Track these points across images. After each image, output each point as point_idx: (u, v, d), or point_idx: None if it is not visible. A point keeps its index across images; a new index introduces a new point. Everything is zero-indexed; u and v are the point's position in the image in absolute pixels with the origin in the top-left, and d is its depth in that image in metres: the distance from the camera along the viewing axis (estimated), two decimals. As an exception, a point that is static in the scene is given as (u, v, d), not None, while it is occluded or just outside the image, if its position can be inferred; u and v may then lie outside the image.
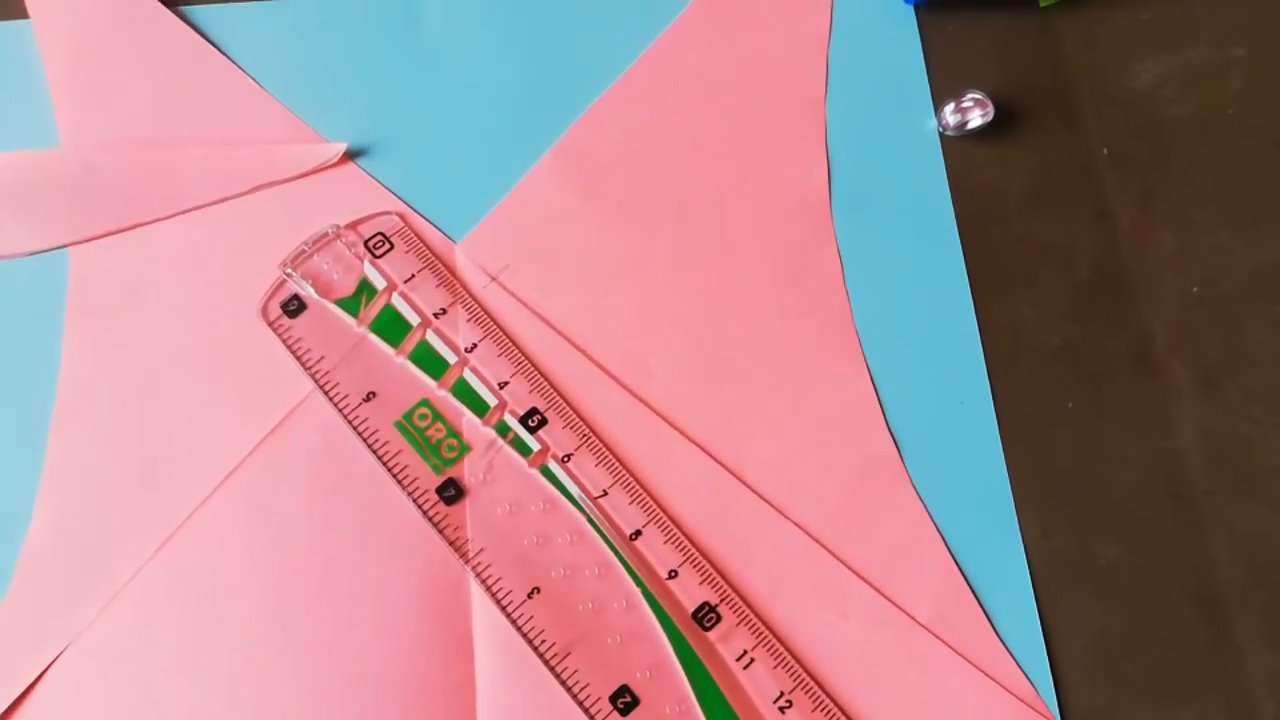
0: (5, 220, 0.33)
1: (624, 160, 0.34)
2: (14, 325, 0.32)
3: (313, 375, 0.31)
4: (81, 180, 0.33)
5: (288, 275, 0.32)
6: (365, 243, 0.33)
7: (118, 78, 0.34)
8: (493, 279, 0.33)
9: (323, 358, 0.32)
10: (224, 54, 0.35)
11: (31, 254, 0.33)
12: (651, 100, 0.35)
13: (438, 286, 0.33)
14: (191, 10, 0.36)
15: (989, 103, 0.34)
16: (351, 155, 0.34)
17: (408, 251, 0.33)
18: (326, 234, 0.33)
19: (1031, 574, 0.30)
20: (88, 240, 0.33)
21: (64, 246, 0.33)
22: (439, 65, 0.35)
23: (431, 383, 0.31)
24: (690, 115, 0.35)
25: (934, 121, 0.35)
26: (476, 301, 0.33)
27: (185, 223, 0.33)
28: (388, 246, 0.33)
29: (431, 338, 0.32)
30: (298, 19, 0.36)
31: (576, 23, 0.36)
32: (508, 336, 0.32)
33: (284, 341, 0.32)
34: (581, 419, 0.31)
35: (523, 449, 0.31)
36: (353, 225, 0.33)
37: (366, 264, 0.33)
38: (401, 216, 0.33)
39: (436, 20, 0.36)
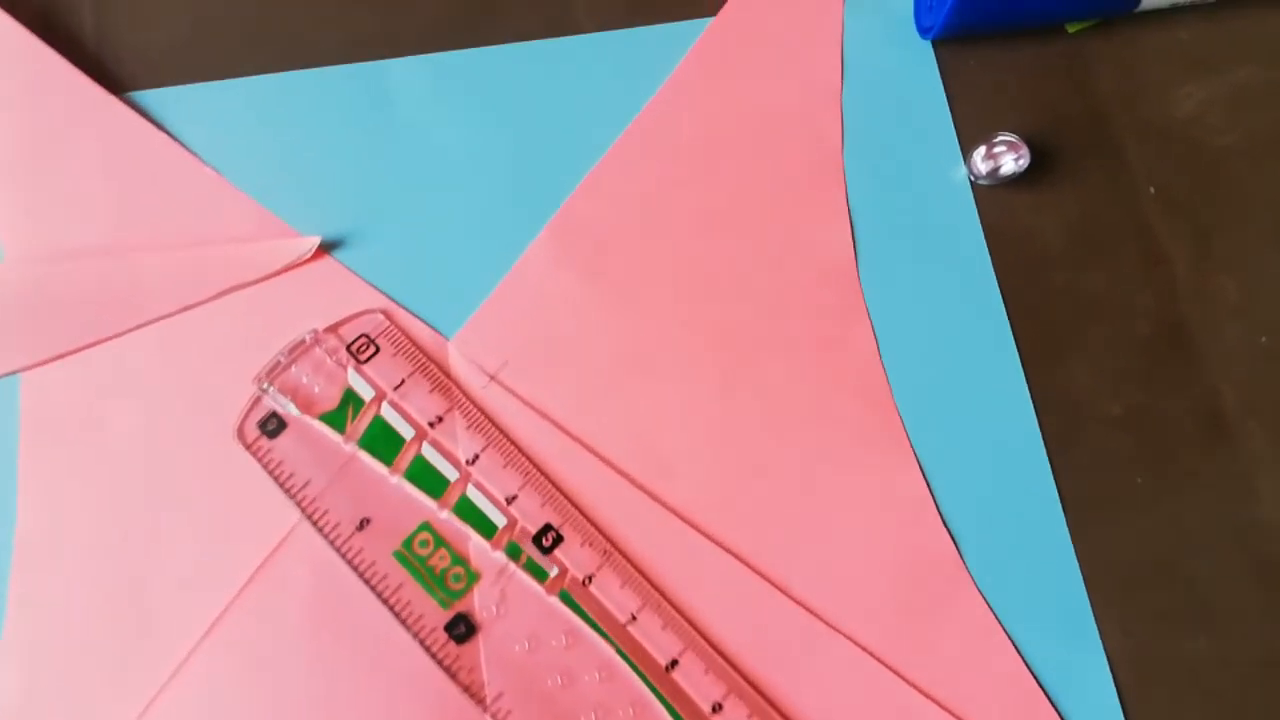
0: (-54, 349, 0.29)
1: (626, 235, 0.31)
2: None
3: (298, 503, 0.28)
4: (29, 296, 0.30)
5: (264, 391, 0.29)
6: (348, 347, 0.30)
7: (64, 177, 0.31)
8: (491, 378, 0.30)
9: (309, 482, 0.28)
10: (179, 142, 0.32)
11: (-22, 383, 0.29)
12: (651, 166, 0.32)
13: (431, 391, 0.29)
14: (140, 95, 0.32)
15: (1022, 145, 0.31)
16: (327, 248, 0.31)
17: (396, 354, 0.30)
18: (304, 341, 0.30)
19: (1114, 678, 0.27)
20: (40, 364, 0.30)
21: (13, 373, 0.29)
22: (414, 144, 0.32)
23: (432, 503, 0.28)
24: (695, 180, 0.32)
25: (963, 169, 0.32)
26: (475, 405, 0.29)
27: (147, 335, 0.30)
28: (373, 350, 0.30)
29: (428, 451, 0.29)
30: (255, 100, 0.32)
31: (562, 89, 0.33)
32: (513, 443, 0.29)
33: (264, 466, 0.28)
34: (601, 533, 0.28)
35: (538, 573, 0.28)
36: (333, 328, 0.30)
37: (351, 371, 0.29)
38: (386, 314, 0.30)
39: (407, 96, 0.33)
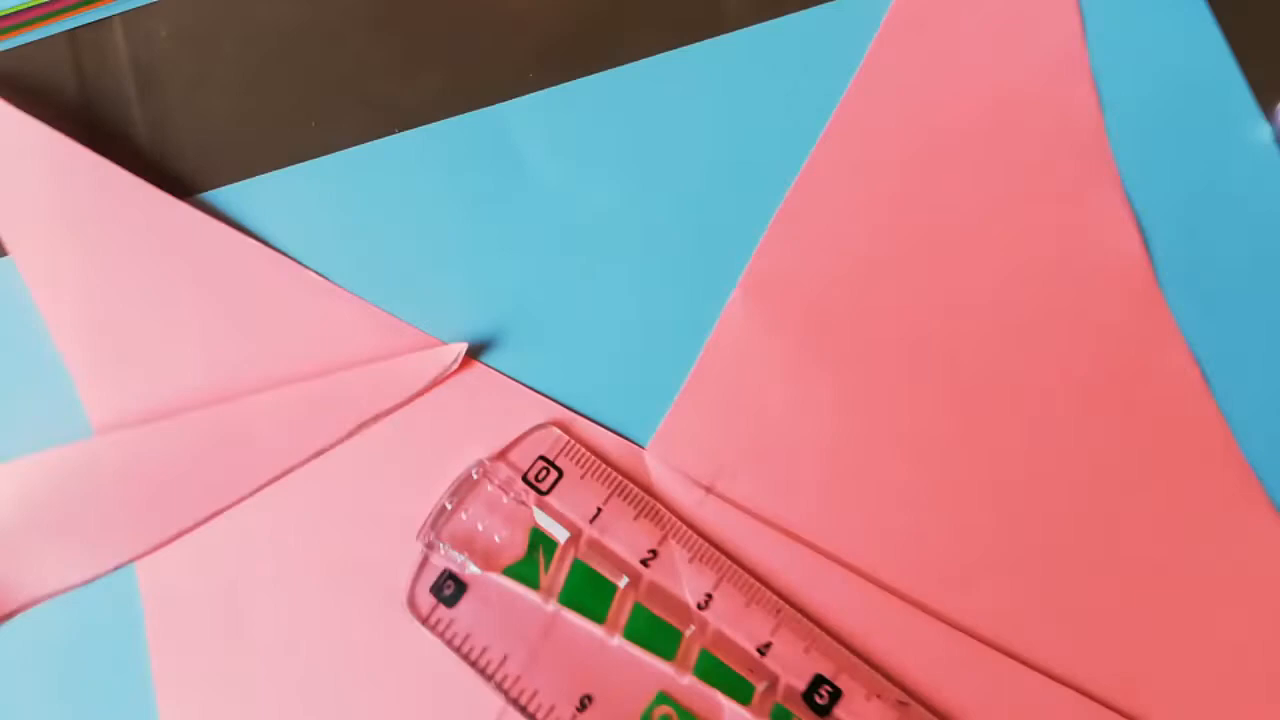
0: (43, 548, 0.24)
1: (840, 279, 0.25)
2: (92, 668, 0.23)
3: (498, 684, 0.22)
4: (127, 470, 0.24)
5: (432, 548, 0.23)
6: (525, 476, 0.24)
7: (148, 312, 0.25)
8: (708, 490, 0.24)
9: (507, 657, 0.22)
10: (270, 245, 0.26)
11: (86, 582, 0.24)
12: (856, 186, 0.25)
13: (637, 518, 0.23)
14: (211, 196, 0.26)
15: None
16: (474, 353, 0.25)
17: (584, 475, 0.24)
18: (470, 476, 0.24)
19: None
20: (153, 550, 0.24)
21: (123, 565, 0.24)
22: (554, 204, 0.26)
23: (666, 666, 0.22)
24: (916, 196, 0.25)
25: (1267, 128, 0.25)
26: (694, 529, 0.23)
27: (275, 495, 0.24)
28: (555, 474, 0.24)
29: (649, 597, 0.23)
30: (348, 178, 0.26)
31: (722, 104, 0.26)
32: (749, 572, 0.23)
33: (448, 643, 0.23)
34: (889, 679, 0.22)
35: (820, 743, 0.21)
36: (501, 455, 0.24)
37: (534, 507, 0.23)
38: (561, 426, 0.24)
39: (533, 145, 0.26)
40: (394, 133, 0.26)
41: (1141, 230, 0.24)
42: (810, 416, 0.24)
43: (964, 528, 0.23)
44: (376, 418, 0.24)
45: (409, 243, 0.26)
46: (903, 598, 0.22)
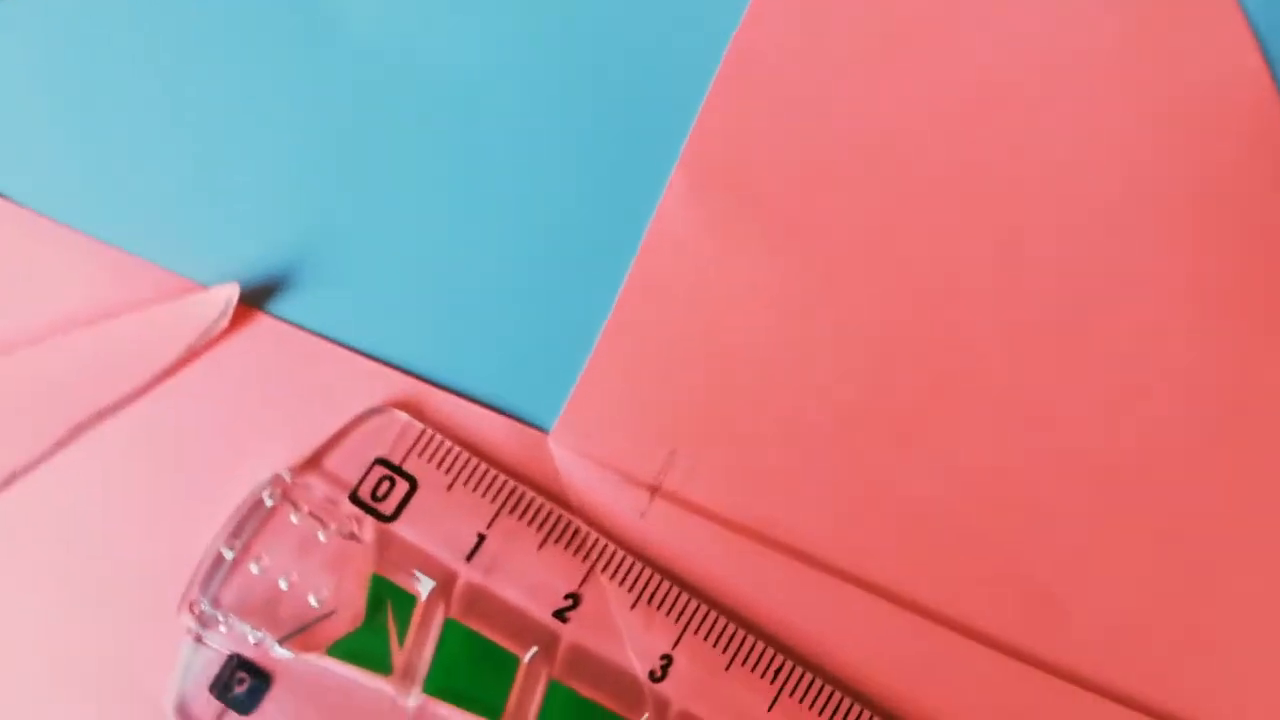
0: None
1: (815, 156, 0.16)
2: None
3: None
4: None
5: (205, 622, 0.14)
6: (353, 493, 0.15)
7: None
8: (653, 492, 0.15)
9: (343, 793, 0.14)
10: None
11: None
12: (817, 29, 0.17)
13: (544, 546, 0.14)
14: None
15: None
16: (255, 300, 0.15)
17: (453, 484, 0.15)
18: (261, 501, 0.14)
19: None
20: None
21: None
22: (387, 84, 0.16)
23: (610, 784, 0.14)
24: (911, 44, 0.17)
25: None
26: (635, 555, 0.15)
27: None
28: (405, 487, 0.15)
29: (571, 670, 0.14)
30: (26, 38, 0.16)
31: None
32: (727, 616, 0.14)
33: (243, 779, 0.14)
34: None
35: None
36: (312, 462, 0.15)
37: (373, 543, 0.14)
38: (408, 408, 0.15)
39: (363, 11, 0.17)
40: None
41: (1265, 51, 0.16)
42: (795, 355, 0.15)
43: (1053, 521, 0.15)
44: (99, 415, 0.15)
45: (144, 135, 0.16)
46: (971, 635, 0.15)
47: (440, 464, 0.15)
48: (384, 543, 0.14)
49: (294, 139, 0.16)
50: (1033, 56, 0.16)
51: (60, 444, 0.15)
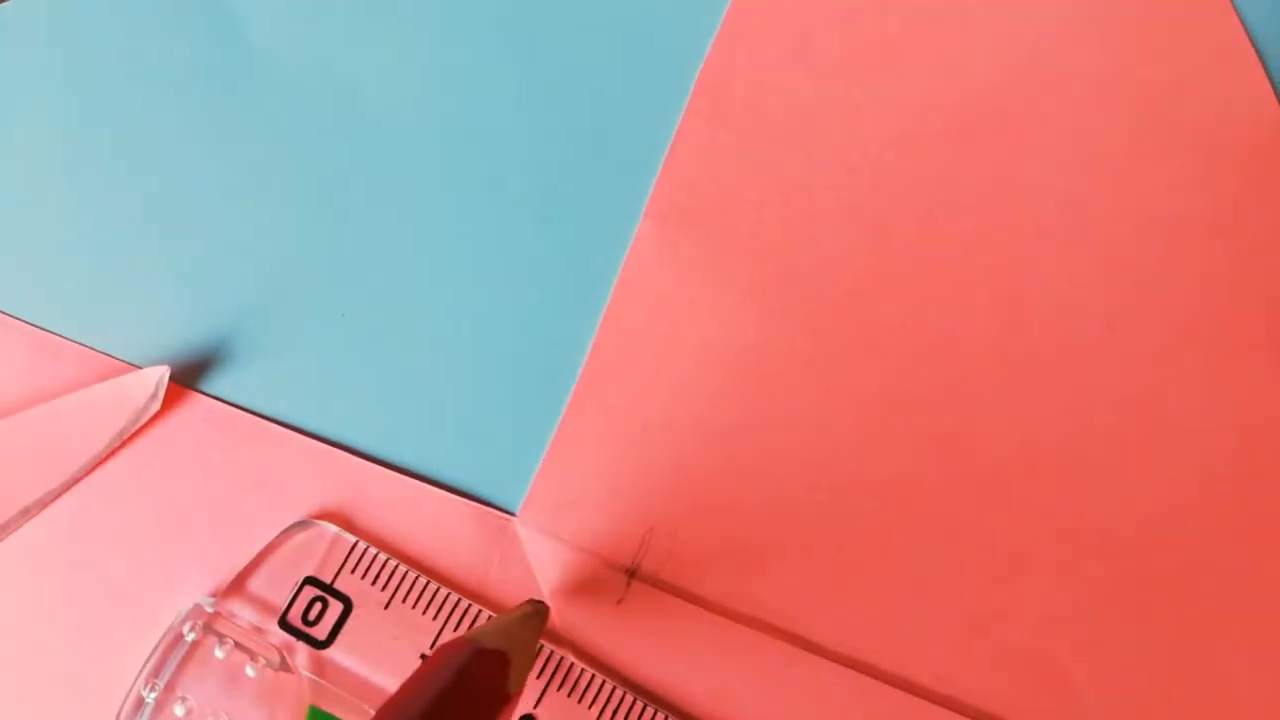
0: None
1: (785, 194, 0.14)
2: None
3: None
4: None
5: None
6: (283, 619, 0.13)
7: None
8: (631, 575, 0.14)
9: None
10: None
11: None
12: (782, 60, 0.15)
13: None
14: None
15: None
16: (186, 378, 0.14)
17: (391, 600, 0.13)
18: (181, 635, 0.13)
19: None
20: None
21: None
22: (317, 127, 0.15)
23: None
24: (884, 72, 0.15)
25: None
26: (601, 667, 0.13)
27: None
28: (339, 607, 0.13)
29: (532, 808, 0.13)
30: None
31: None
32: (721, 706, 0.13)
33: None
34: None
35: None
36: (236, 586, 0.13)
37: (307, 673, 0.13)
38: (338, 520, 0.14)
39: (279, 27, 0.15)
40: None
41: (1272, 81, 0.14)
42: (773, 419, 0.14)
43: (1058, 571, 0.13)
44: (25, 513, 0.14)
45: (67, 215, 0.15)
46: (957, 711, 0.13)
47: (375, 580, 0.13)
48: (320, 671, 0.13)
49: (227, 203, 0.15)
50: (1025, 87, 0.14)
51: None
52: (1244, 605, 0.13)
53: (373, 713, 0.13)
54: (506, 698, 0.11)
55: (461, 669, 0.11)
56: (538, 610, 0.12)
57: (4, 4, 0.15)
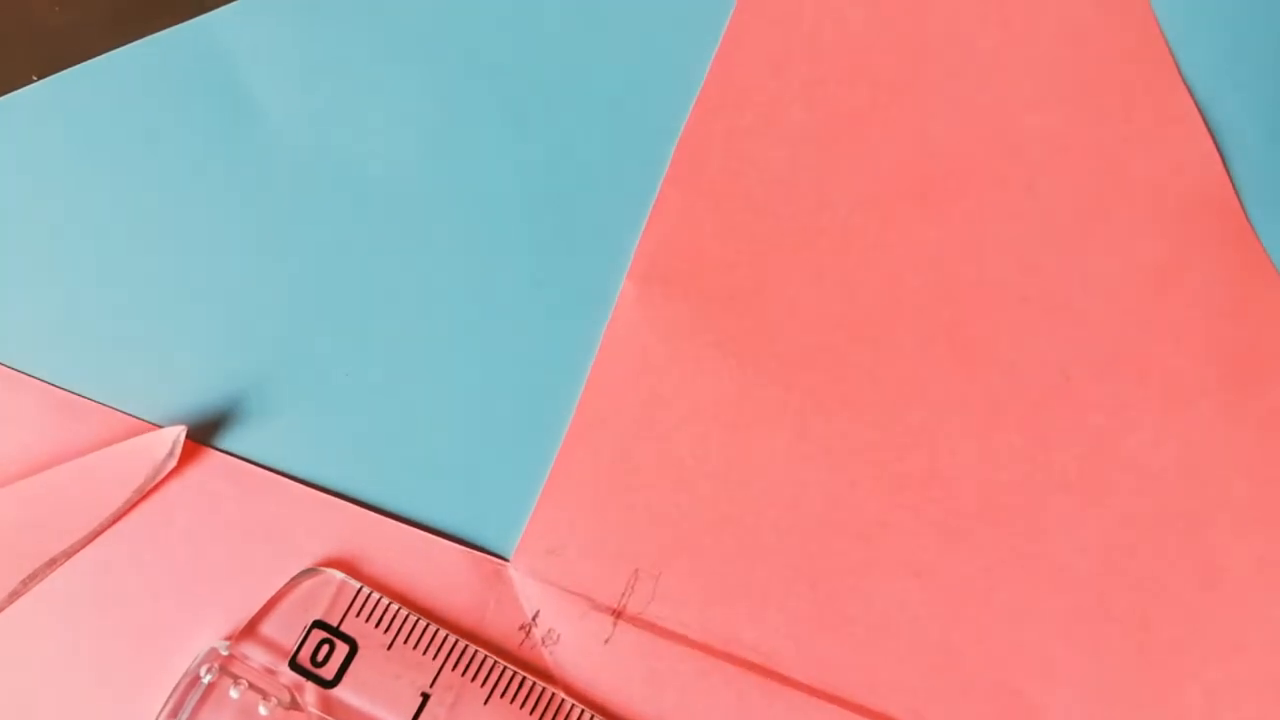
0: None
1: (771, 250, 0.15)
2: None
3: None
4: None
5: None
6: (293, 660, 0.14)
7: None
8: (617, 617, 0.14)
9: None
10: None
11: None
12: (775, 91, 0.16)
13: (491, 700, 0.14)
14: None
15: None
16: (200, 435, 0.15)
17: (394, 641, 0.14)
18: (198, 677, 0.14)
19: None
20: None
21: None
22: (322, 189, 0.16)
23: None
24: (889, 106, 0.16)
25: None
26: (592, 706, 0.14)
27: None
28: (345, 649, 0.14)
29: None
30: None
31: (579, 49, 0.16)
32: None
33: None
34: None
35: None
36: (249, 629, 0.14)
37: (316, 710, 0.14)
38: (344, 567, 0.15)
39: (289, 99, 0.16)
40: (31, 81, 0.16)
41: (1215, 140, 0.15)
42: (757, 466, 0.15)
43: (1027, 602, 0.14)
44: (51, 564, 0.15)
45: (84, 275, 0.16)
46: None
47: (379, 623, 0.14)
48: (328, 708, 0.14)
49: (239, 272, 0.16)
50: (983, 151, 0.16)
51: (14, 595, 0.15)
52: (1195, 634, 0.14)
53: (377, 748, 0.14)
54: None
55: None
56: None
57: (31, 86, 0.16)
